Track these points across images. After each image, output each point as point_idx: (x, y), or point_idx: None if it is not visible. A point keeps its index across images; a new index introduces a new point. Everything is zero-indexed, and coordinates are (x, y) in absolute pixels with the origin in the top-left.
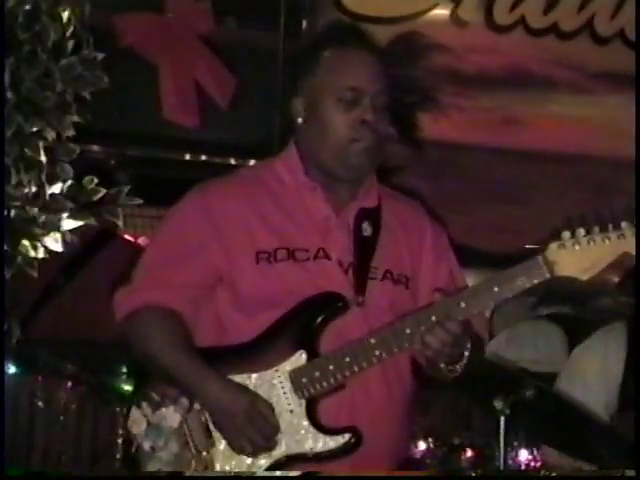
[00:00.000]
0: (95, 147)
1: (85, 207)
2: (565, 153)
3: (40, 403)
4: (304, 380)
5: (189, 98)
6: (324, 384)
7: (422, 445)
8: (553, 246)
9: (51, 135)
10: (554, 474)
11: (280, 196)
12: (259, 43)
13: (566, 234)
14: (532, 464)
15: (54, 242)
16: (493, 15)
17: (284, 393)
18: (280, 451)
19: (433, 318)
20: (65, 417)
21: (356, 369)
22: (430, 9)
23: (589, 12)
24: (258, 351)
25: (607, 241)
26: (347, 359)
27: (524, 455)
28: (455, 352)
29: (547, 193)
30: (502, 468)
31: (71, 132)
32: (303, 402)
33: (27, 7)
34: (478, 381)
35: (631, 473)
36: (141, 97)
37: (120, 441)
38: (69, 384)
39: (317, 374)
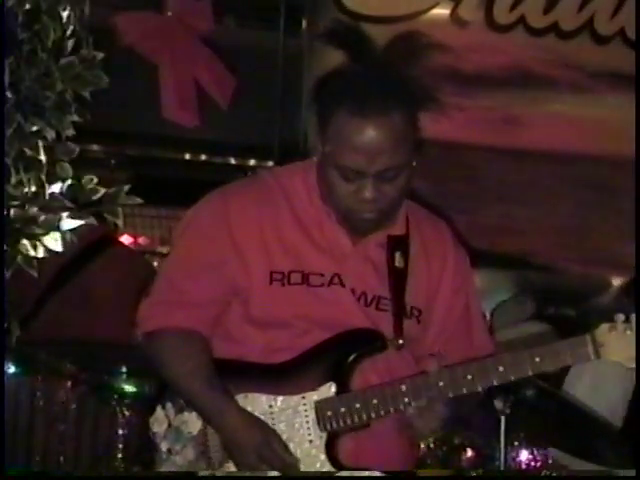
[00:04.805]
0: (95, 147)
1: (85, 207)
2: (565, 153)
3: (40, 403)
4: (329, 413)
5: (189, 98)
6: (348, 421)
7: (422, 445)
8: (604, 327)
9: (51, 134)
10: (554, 474)
11: (299, 211)
12: (259, 43)
13: (620, 317)
14: (532, 464)
15: (54, 242)
16: (493, 14)
17: (307, 422)
18: None
19: (469, 377)
20: (65, 417)
21: (382, 413)
22: (430, 8)
23: (589, 11)
24: (287, 375)
25: None
26: (375, 401)
27: (524, 455)
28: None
29: (547, 193)
30: (502, 468)
31: (71, 132)
32: (324, 435)
33: (27, 7)
34: None
35: (631, 473)
36: (141, 97)
37: (121, 441)
38: (69, 384)
39: (343, 410)
